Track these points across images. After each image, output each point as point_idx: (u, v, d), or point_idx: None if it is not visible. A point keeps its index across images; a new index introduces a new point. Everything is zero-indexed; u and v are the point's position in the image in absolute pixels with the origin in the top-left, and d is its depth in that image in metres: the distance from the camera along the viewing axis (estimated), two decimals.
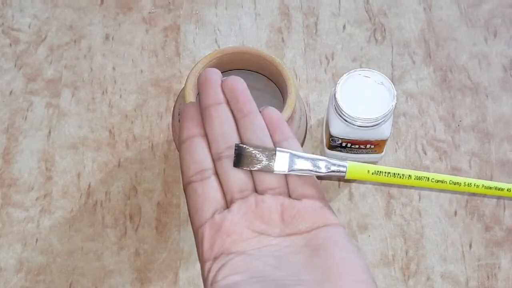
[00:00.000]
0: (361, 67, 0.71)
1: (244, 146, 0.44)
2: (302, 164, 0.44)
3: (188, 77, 0.58)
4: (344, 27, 0.74)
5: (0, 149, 0.67)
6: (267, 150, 0.44)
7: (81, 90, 0.70)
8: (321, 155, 0.67)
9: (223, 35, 0.73)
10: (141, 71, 0.71)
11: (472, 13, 0.74)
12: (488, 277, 0.62)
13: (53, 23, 0.73)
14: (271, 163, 0.44)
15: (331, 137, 0.62)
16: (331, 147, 0.64)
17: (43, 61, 0.71)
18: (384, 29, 0.74)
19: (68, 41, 0.72)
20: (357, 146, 0.63)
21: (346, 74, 0.60)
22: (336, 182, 0.66)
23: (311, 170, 0.45)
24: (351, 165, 0.45)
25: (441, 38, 0.73)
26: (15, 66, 0.71)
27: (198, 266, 0.62)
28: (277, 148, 0.44)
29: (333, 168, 0.45)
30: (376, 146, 0.62)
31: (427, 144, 0.67)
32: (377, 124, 0.59)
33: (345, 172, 0.45)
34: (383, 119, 0.59)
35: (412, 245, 0.63)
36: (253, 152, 0.44)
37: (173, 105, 0.63)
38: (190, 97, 0.58)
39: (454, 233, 0.64)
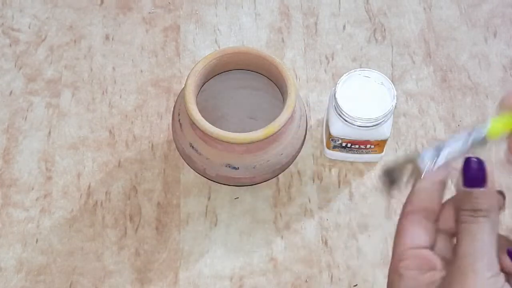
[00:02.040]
0: (361, 67, 0.71)
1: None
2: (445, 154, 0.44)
3: (188, 77, 0.58)
4: (344, 27, 0.74)
5: (0, 149, 0.67)
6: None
7: (81, 90, 0.70)
8: (320, 155, 0.67)
9: (223, 35, 0.73)
10: (141, 71, 0.71)
11: (472, 13, 0.74)
12: None
13: (53, 23, 0.73)
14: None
15: (331, 137, 0.62)
16: (331, 147, 0.64)
17: (43, 61, 0.71)
18: (384, 29, 0.74)
19: (68, 41, 0.72)
20: (357, 146, 0.63)
21: (346, 74, 0.60)
22: (336, 182, 0.66)
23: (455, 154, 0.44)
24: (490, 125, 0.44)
25: (441, 38, 0.73)
26: (15, 66, 0.71)
27: (198, 266, 0.62)
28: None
29: (472, 137, 0.44)
30: (376, 146, 0.62)
31: (427, 144, 0.67)
32: (377, 124, 0.59)
33: (485, 133, 0.44)
34: (383, 119, 0.59)
35: None
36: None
37: (173, 106, 0.63)
38: (190, 97, 0.57)
39: None
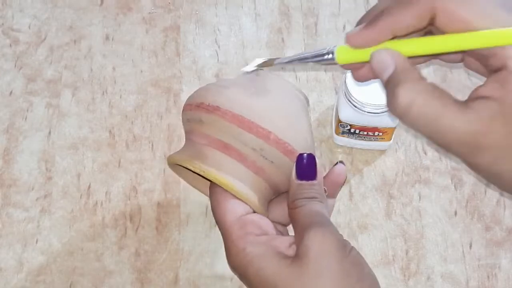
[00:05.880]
0: None
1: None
2: (289, 57, 0.48)
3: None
4: (344, 27, 0.74)
5: (0, 150, 0.67)
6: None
7: (81, 91, 0.70)
8: (321, 155, 0.67)
9: (223, 35, 0.73)
10: (141, 71, 0.71)
11: None
12: (488, 277, 0.62)
13: (53, 23, 0.73)
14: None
15: (340, 123, 0.63)
16: (340, 133, 0.64)
17: (43, 62, 0.71)
18: None
19: (68, 41, 0.72)
20: (365, 133, 0.63)
21: None
22: None
23: (299, 59, 0.47)
24: (340, 46, 0.44)
25: None
26: (15, 66, 0.71)
27: (198, 266, 0.62)
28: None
29: (320, 52, 0.45)
30: (384, 133, 0.63)
31: (427, 144, 0.67)
32: (385, 111, 0.60)
33: (334, 52, 0.44)
34: None
35: (412, 245, 0.63)
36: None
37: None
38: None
39: (454, 233, 0.64)
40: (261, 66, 0.51)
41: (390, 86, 0.39)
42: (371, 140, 0.64)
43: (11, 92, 0.69)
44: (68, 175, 0.66)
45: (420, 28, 0.40)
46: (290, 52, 0.72)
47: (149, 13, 0.74)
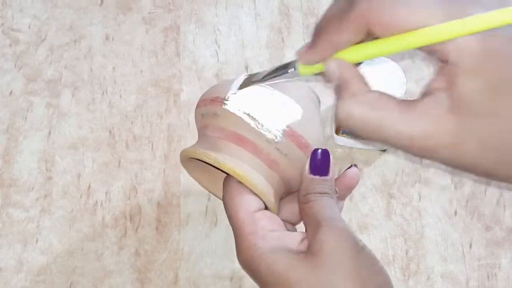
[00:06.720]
0: None
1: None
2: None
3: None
4: None
5: (0, 150, 0.67)
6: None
7: (81, 91, 0.70)
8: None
9: (223, 35, 0.73)
10: (141, 71, 0.71)
11: None
12: (488, 276, 0.62)
13: (53, 23, 0.73)
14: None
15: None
16: (340, 133, 0.64)
17: (43, 62, 0.71)
18: None
19: (68, 41, 0.72)
20: None
21: None
22: None
23: (268, 76, 0.46)
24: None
25: None
26: (15, 66, 0.71)
27: (198, 266, 0.62)
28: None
29: (284, 66, 0.45)
30: None
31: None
32: None
33: (295, 66, 0.44)
34: None
35: (412, 245, 0.63)
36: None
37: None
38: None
39: (454, 233, 0.64)
40: (241, 87, 0.49)
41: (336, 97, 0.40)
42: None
43: (11, 92, 0.69)
44: (68, 175, 0.66)
45: (361, 40, 0.40)
46: (290, 52, 0.72)
47: (149, 13, 0.74)
